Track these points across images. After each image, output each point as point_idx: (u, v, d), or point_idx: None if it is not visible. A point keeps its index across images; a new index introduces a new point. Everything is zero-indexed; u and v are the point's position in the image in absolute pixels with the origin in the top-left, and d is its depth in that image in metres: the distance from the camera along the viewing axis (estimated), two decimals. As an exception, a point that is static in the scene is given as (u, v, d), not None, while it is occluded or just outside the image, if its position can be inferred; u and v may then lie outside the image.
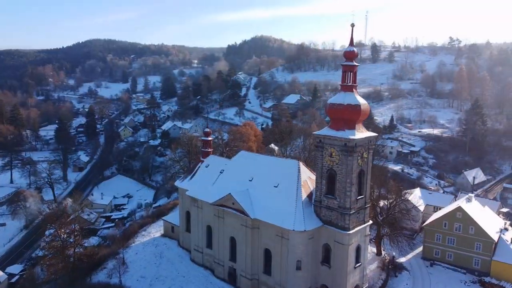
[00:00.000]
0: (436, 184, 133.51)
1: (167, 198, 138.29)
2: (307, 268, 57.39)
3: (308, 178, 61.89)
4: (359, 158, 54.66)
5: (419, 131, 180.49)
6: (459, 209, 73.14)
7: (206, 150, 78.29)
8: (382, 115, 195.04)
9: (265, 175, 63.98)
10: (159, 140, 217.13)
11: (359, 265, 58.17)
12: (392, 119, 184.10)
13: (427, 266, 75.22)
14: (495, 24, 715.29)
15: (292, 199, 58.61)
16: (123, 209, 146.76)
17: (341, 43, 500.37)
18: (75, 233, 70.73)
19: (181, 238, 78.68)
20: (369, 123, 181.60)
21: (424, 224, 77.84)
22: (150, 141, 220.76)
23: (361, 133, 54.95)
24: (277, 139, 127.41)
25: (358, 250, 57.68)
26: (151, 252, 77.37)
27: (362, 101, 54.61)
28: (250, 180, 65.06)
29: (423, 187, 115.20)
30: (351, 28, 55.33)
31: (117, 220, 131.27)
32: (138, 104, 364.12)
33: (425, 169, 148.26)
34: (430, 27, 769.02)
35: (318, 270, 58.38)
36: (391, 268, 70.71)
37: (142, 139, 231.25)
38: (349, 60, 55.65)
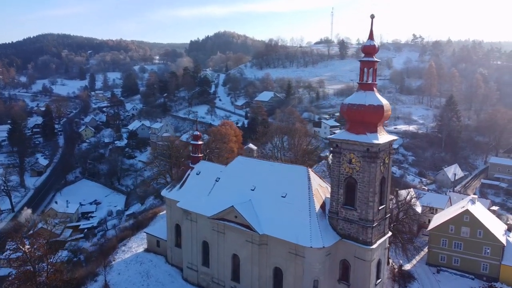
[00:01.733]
0: (419, 182, 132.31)
1: (140, 204, 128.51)
2: (324, 288, 51.46)
3: (318, 186, 55.88)
4: (381, 164, 49.24)
5: (395, 128, 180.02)
6: (467, 212, 69.82)
7: (196, 155, 70.56)
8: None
9: (269, 183, 57.29)
10: (125, 141, 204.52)
11: (379, 281, 53.02)
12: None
13: (433, 273, 71.54)
14: (455, 22, 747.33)
15: (304, 211, 52.35)
16: (92, 217, 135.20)
17: (307, 39, 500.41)
18: (48, 257, 60.81)
19: (169, 254, 70.49)
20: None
21: (429, 228, 74.10)
22: (116, 142, 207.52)
23: (383, 136, 49.50)
24: (258, 138, 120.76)
25: (378, 264, 52.46)
26: (136, 271, 68.62)
27: (384, 101, 49.13)
28: (252, 190, 58.15)
29: (408, 185, 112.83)
30: (370, 19, 49.53)
31: (86, 230, 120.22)
32: (98, 102, 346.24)
33: (405, 166, 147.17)
34: (393, 24, 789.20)
35: (336, 289, 52.62)
36: (400, 278, 66.46)
37: (106, 140, 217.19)
38: (368, 56, 49.92)
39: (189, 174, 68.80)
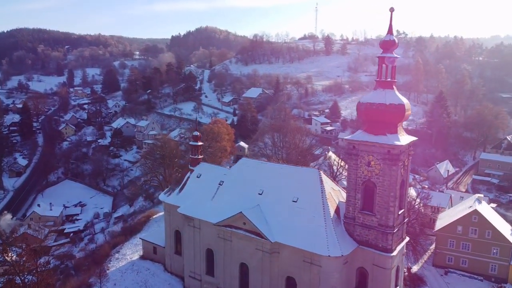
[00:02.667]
0: (412, 179, 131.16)
1: (129, 206, 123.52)
2: (341, 298, 48.59)
3: (331, 190, 52.91)
4: (402, 167, 46.54)
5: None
6: (475, 212, 68.33)
7: (196, 157, 66.62)
8: (346, 109, 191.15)
9: (278, 187, 54.01)
10: (109, 139, 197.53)
11: (398, 289, 50.58)
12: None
13: (441, 275, 69.96)
14: (435, 18, 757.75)
15: (319, 216, 49.29)
16: (77, 220, 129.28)
17: (292, 35, 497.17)
18: (38, 269, 56.07)
19: (168, 261, 66.52)
20: (337, 118, 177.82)
21: (436, 229, 72.41)
22: (99, 141, 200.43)
23: (404, 137, 46.87)
24: (256, 136, 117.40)
25: (397, 271, 49.95)
26: (133, 281, 64.40)
27: (405, 100, 46.42)
28: (260, 194, 54.78)
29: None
30: (390, 13, 46.75)
31: (72, 234, 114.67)
32: (78, 99, 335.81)
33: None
34: (376, 20, 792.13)
35: (352, 299, 49.87)
36: (411, 281, 64.42)
37: (89, 138, 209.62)
38: (387, 51, 47.11)
39: (188, 177, 64.95)
